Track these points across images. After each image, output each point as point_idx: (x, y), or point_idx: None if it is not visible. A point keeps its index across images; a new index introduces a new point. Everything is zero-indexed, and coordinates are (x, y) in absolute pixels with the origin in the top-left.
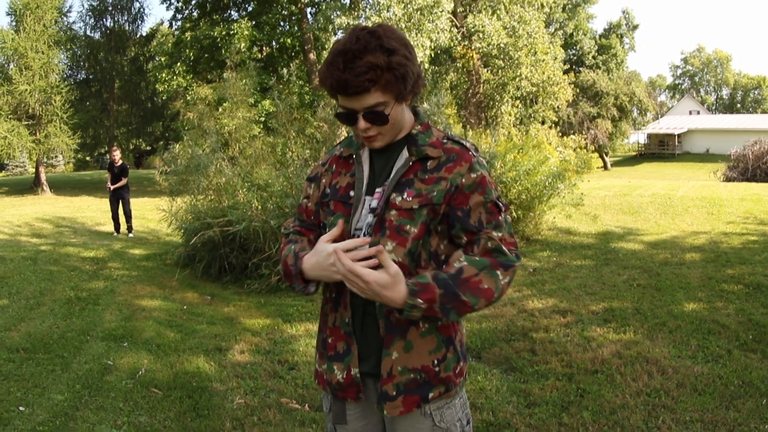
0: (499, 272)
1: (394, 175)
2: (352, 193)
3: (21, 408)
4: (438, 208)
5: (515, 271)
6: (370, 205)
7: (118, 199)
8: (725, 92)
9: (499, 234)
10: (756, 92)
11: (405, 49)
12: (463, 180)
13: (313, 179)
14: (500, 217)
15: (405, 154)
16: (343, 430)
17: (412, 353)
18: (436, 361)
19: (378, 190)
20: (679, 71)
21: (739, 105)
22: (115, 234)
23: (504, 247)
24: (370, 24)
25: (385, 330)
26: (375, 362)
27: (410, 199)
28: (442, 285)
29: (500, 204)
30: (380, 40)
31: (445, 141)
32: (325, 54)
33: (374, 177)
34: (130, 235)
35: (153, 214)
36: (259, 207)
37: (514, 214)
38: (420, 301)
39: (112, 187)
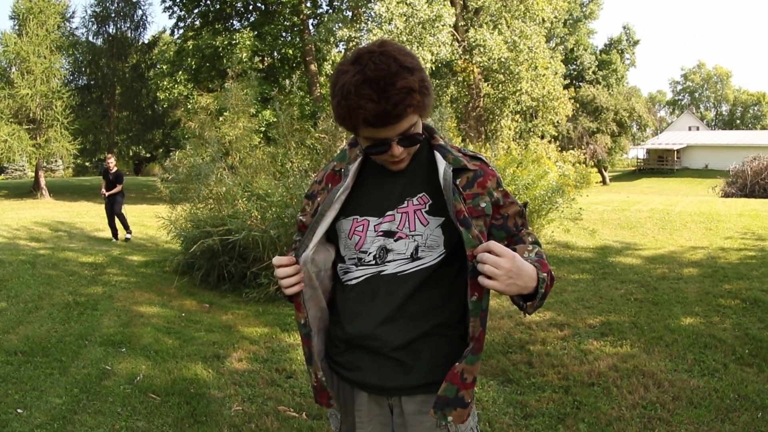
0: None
1: (446, 182)
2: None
3: (19, 410)
4: (488, 220)
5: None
6: (378, 227)
7: (111, 203)
8: (725, 108)
9: (530, 230)
10: (755, 108)
11: (419, 63)
12: (496, 194)
13: (310, 197)
14: (524, 218)
15: (442, 160)
16: None
17: (477, 364)
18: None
19: (389, 213)
20: (679, 87)
21: (738, 121)
22: (114, 240)
23: (537, 238)
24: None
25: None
26: (395, 378)
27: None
28: (546, 272)
29: (522, 207)
30: (398, 61)
31: (464, 155)
32: (326, 65)
33: (383, 196)
34: (128, 236)
35: (152, 222)
36: (259, 217)
37: None
38: (545, 275)
39: (106, 194)
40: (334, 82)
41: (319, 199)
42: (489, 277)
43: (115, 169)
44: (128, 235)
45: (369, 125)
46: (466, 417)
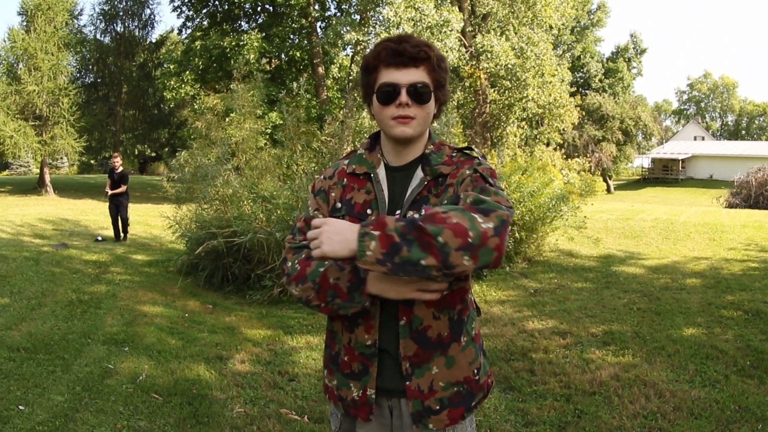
0: (476, 215)
1: (409, 195)
2: (368, 211)
3: (21, 407)
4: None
5: (502, 219)
6: None
7: (117, 205)
8: (730, 119)
9: (488, 197)
10: (761, 119)
11: (439, 51)
12: (464, 178)
13: (319, 193)
14: (488, 185)
15: (420, 174)
16: None
17: (454, 369)
18: (475, 371)
19: (397, 212)
20: (685, 96)
21: (744, 132)
22: (116, 241)
23: (485, 197)
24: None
25: (421, 347)
26: (394, 380)
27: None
28: (404, 221)
29: (489, 177)
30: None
31: (454, 155)
32: (333, 68)
33: (393, 199)
34: (125, 239)
35: (156, 221)
36: (264, 219)
37: (517, 235)
38: (371, 227)
39: (110, 193)
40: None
41: (333, 194)
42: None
43: (121, 168)
44: (125, 239)
45: (387, 64)
46: (450, 420)
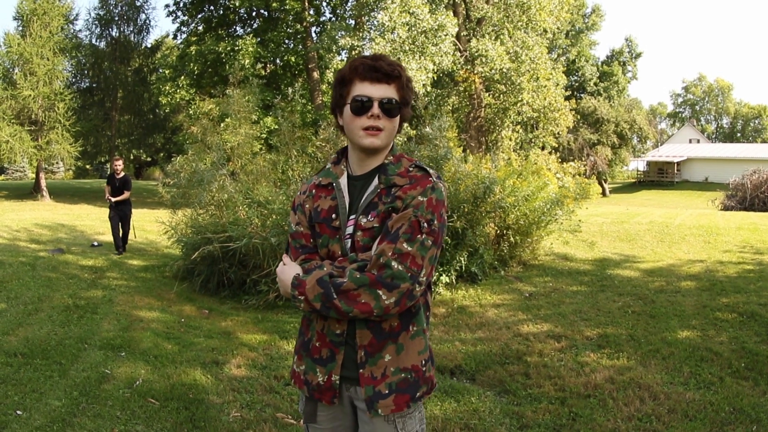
0: (380, 292)
1: (363, 201)
2: (333, 216)
3: (18, 412)
4: (389, 217)
5: (405, 292)
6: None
7: (120, 216)
8: (725, 121)
9: (409, 248)
10: (756, 122)
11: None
12: (413, 201)
13: (297, 208)
14: (419, 235)
15: (375, 182)
16: (313, 430)
17: (402, 354)
18: (423, 361)
19: (352, 217)
20: (680, 99)
21: (739, 134)
22: (118, 254)
23: (395, 263)
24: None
25: (376, 337)
26: (353, 369)
27: (372, 219)
28: (322, 287)
29: (425, 224)
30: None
31: (411, 169)
32: (329, 73)
33: (352, 204)
34: (122, 251)
35: (152, 226)
36: (259, 224)
37: (512, 239)
38: (296, 293)
39: (113, 200)
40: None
41: (307, 206)
42: None
43: (123, 173)
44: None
45: (363, 78)
46: (396, 406)
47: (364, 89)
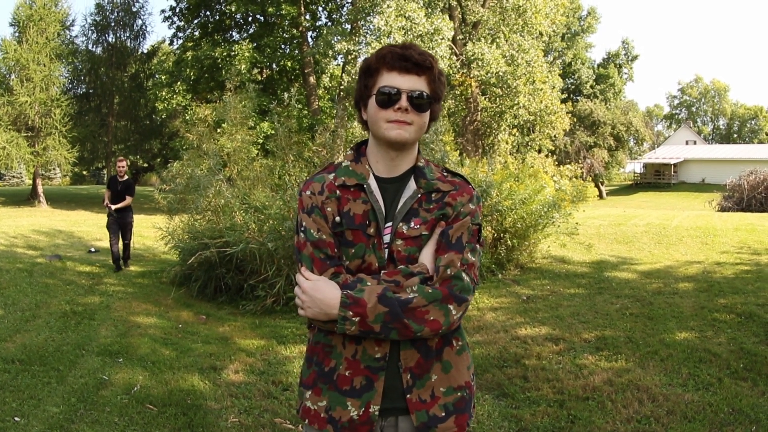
0: (451, 306)
1: (401, 207)
2: (367, 222)
3: (16, 418)
4: (437, 225)
5: (467, 305)
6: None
7: (120, 225)
8: (722, 122)
9: (473, 259)
10: (753, 122)
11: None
12: (462, 209)
13: (312, 210)
14: (477, 245)
15: (413, 185)
16: None
17: (453, 372)
18: (472, 376)
19: (388, 224)
20: (676, 101)
21: (735, 135)
22: (117, 270)
23: (465, 274)
24: (371, 50)
25: (423, 357)
26: (396, 396)
27: (417, 227)
28: (387, 305)
29: (481, 232)
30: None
31: (446, 174)
32: (325, 78)
33: (385, 210)
34: (125, 267)
35: (149, 232)
36: (256, 229)
37: (509, 242)
38: (351, 313)
39: (113, 207)
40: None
41: (329, 209)
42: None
43: (126, 177)
44: (125, 267)
45: (390, 68)
46: (458, 428)
47: (392, 80)
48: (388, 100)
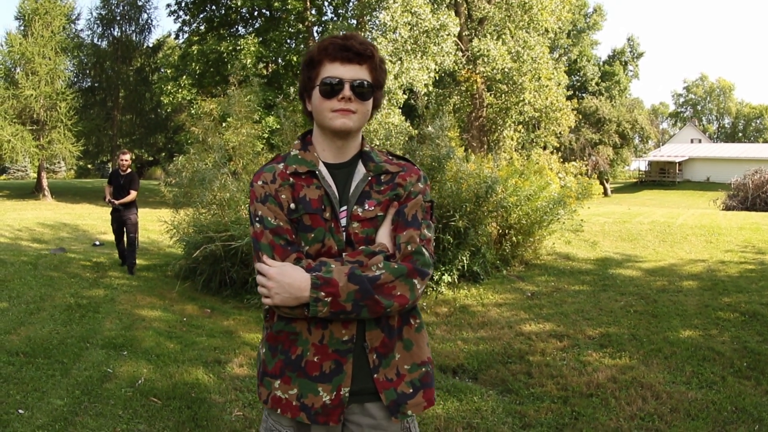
0: (416, 281)
1: (354, 190)
2: (323, 206)
3: (20, 411)
4: (391, 205)
5: (428, 279)
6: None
7: (123, 221)
8: (727, 121)
9: (429, 234)
10: (758, 122)
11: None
12: (413, 189)
13: (266, 199)
14: (431, 221)
15: (362, 169)
16: None
17: (414, 349)
18: (431, 354)
19: (344, 208)
20: (682, 99)
21: (740, 134)
22: (123, 264)
23: (425, 249)
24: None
25: (387, 336)
26: (364, 377)
27: (372, 208)
28: (357, 282)
29: (433, 209)
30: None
31: (391, 157)
32: None
33: (338, 194)
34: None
35: (154, 225)
36: None
37: (514, 238)
38: (323, 294)
39: (116, 202)
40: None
41: (284, 196)
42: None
43: (129, 170)
44: (131, 273)
45: (333, 59)
46: (428, 402)
47: (334, 70)
48: (332, 90)
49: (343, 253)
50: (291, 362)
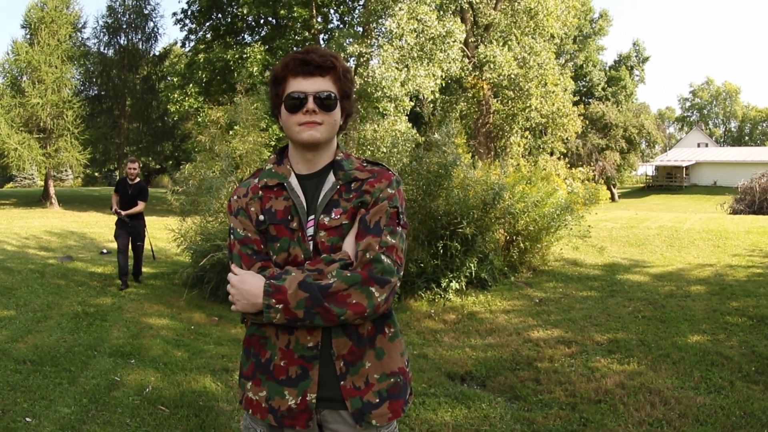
0: (373, 289)
1: (322, 199)
2: (290, 217)
3: (28, 419)
4: (358, 213)
5: (393, 287)
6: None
7: (130, 235)
8: (733, 125)
9: (393, 241)
10: (764, 125)
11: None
12: (381, 194)
13: (237, 212)
14: (398, 228)
15: (332, 178)
16: None
17: (385, 359)
18: (406, 362)
19: (311, 217)
20: (688, 103)
21: (747, 137)
22: (123, 289)
23: (384, 257)
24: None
25: (355, 344)
26: (332, 384)
27: (338, 217)
28: (307, 290)
29: (402, 216)
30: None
31: (365, 164)
32: None
33: (307, 204)
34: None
35: (162, 234)
36: None
37: (521, 245)
38: (273, 301)
39: (123, 213)
40: None
41: (252, 209)
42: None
43: (138, 180)
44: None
45: (295, 74)
46: (393, 413)
47: (297, 85)
48: (297, 104)
49: (306, 262)
50: (261, 365)
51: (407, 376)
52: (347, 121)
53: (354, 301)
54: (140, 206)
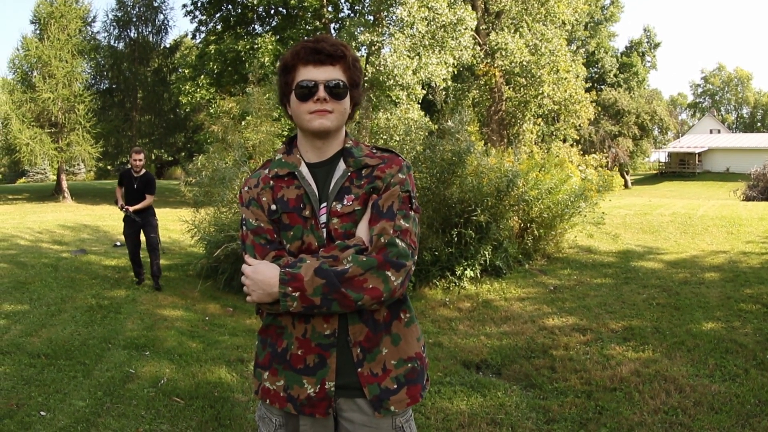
0: (389, 273)
1: (333, 187)
2: (302, 205)
3: (42, 413)
4: (370, 198)
5: (408, 271)
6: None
7: (139, 229)
8: (746, 111)
9: (407, 225)
10: None
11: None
12: (392, 180)
13: (249, 203)
14: (411, 212)
15: (342, 165)
16: None
17: (402, 344)
18: (423, 348)
19: (323, 205)
20: (700, 90)
21: (759, 124)
22: (139, 284)
23: (399, 240)
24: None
25: (372, 330)
26: (349, 372)
27: (350, 203)
28: (323, 276)
29: (413, 200)
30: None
31: (375, 151)
32: None
33: (319, 192)
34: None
35: (175, 225)
36: None
37: (536, 232)
38: (290, 289)
39: (130, 209)
40: None
41: (264, 199)
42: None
43: (144, 171)
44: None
45: (306, 62)
46: (411, 399)
47: (308, 73)
48: (307, 92)
49: (321, 249)
50: (278, 355)
51: (424, 362)
52: (355, 110)
53: (371, 286)
54: (148, 200)
